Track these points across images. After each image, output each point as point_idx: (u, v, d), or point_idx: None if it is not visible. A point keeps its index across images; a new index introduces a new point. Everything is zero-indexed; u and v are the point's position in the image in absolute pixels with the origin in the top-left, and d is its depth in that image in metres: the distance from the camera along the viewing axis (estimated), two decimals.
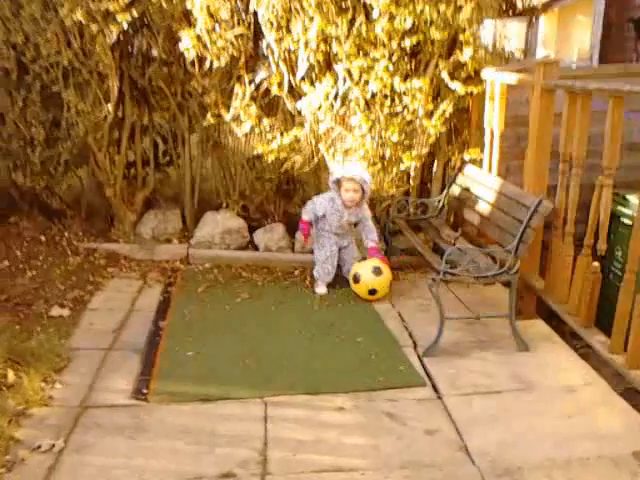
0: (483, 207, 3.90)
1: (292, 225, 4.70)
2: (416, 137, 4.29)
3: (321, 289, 4.11)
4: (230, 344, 3.37)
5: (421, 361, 3.23)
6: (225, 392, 2.91)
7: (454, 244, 3.93)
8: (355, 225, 4.20)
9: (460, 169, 4.46)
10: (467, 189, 4.23)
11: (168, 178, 4.95)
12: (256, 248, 4.63)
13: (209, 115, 4.26)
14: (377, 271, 3.94)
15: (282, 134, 4.29)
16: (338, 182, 3.96)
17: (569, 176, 3.29)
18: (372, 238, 4.12)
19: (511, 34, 7.18)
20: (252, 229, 4.67)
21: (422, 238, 4.51)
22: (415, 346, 3.40)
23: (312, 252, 4.47)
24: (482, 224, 3.87)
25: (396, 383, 3.00)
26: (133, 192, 4.79)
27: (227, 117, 4.25)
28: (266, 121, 4.26)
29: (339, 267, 4.20)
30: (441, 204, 4.52)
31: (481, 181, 4.09)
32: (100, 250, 4.55)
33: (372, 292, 3.93)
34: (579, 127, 3.04)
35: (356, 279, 3.96)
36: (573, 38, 7.49)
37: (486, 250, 3.47)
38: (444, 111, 4.19)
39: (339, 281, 4.17)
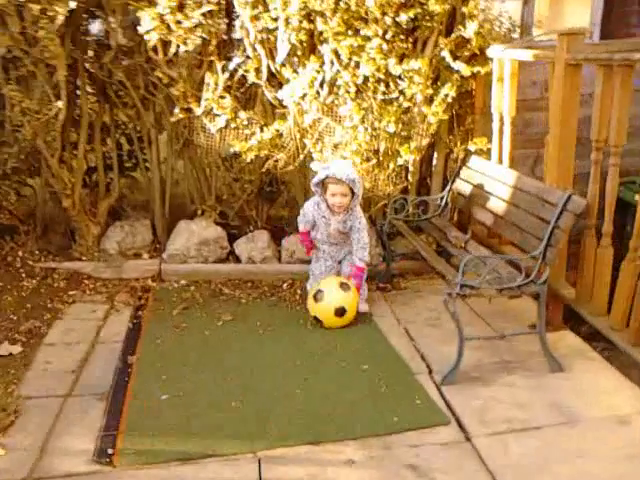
0: (496, 205, 3.41)
1: (277, 231, 4.18)
2: (415, 127, 3.78)
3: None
4: (212, 381, 2.84)
5: (439, 391, 2.74)
6: (209, 447, 2.38)
7: (465, 248, 3.44)
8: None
9: (464, 161, 3.96)
10: (475, 184, 3.74)
11: (135, 184, 4.38)
12: (238, 260, 4.09)
13: (177, 110, 3.71)
14: (345, 286, 3.36)
15: (262, 129, 3.75)
16: (323, 184, 3.40)
17: (600, 166, 2.82)
18: (361, 256, 3.47)
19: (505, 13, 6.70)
20: (232, 238, 4.13)
21: (424, 240, 4.01)
22: (430, 371, 2.91)
23: (301, 261, 3.96)
24: (497, 225, 3.38)
25: (414, 423, 2.50)
26: (95, 201, 4.22)
27: (198, 111, 3.70)
28: (243, 114, 3.71)
29: None
30: (444, 202, 4.02)
31: (491, 174, 3.60)
32: (60, 270, 3.98)
33: (340, 312, 3.29)
34: (618, 107, 2.56)
35: (317, 297, 3.33)
36: (570, 15, 7.03)
37: (509, 257, 2.98)
38: (446, 96, 3.68)
39: None
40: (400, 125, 3.73)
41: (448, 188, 4.01)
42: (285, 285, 3.92)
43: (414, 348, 3.14)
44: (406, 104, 3.71)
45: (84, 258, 4.05)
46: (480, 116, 3.96)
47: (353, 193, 3.35)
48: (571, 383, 2.76)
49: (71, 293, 3.80)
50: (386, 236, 3.98)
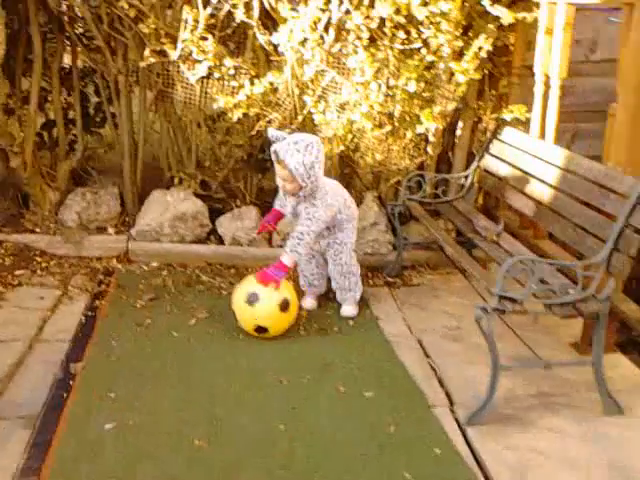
0: (539, 190, 2.74)
1: (269, 208, 3.50)
2: (439, 87, 3.07)
3: (307, 303, 2.96)
4: (173, 406, 2.22)
5: (464, 434, 2.12)
6: None
7: (496, 242, 2.78)
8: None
9: (495, 133, 3.26)
10: (509, 162, 3.06)
11: (103, 143, 3.69)
12: (220, 240, 3.44)
13: (147, 52, 2.99)
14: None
15: (252, 81, 3.04)
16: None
17: None
18: (287, 246, 2.64)
19: None
20: (215, 214, 3.48)
21: (443, 227, 3.36)
22: (451, 403, 2.29)
23: None
24: (540, 216, 2.71)
25: None
26: (54, 163, 3.55)
27: (174, 55, 2.98)
28: (229, 62, 3.00)
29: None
30: (469, 182, 3.35)
31: (532, 151, 2.91)
32: (7, 244, 3.34)
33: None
34: None
35: (251, 301, 2.61)
36: None
37: (563, 263, 2.32)
38: (480, 49, 2.96)
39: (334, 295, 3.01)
40: (422, 84, 3.02)
41: (474, 165, 3.33)
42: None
43: (430, 367, 2.52)
44: (430, 58, 3.00)
45: (37, 230, 3.41)
46: (518, 78, 3.25)
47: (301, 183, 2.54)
48: (635, 433, 2.13)
49: (17, 273, 3.17)
50: (398, 220, 3.32)
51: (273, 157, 2.54)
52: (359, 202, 3.46)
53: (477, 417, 2.14)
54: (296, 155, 2.46)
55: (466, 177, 3.35)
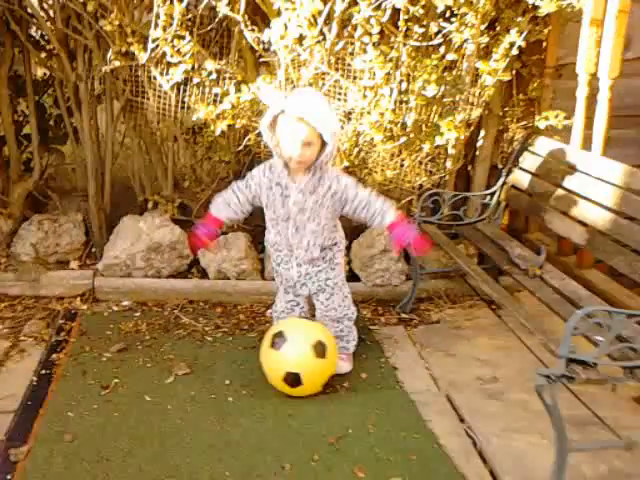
0: (591, 213, 2.26)
1: (260, 234, 2.99)
2: (462, 90, 2.59)
3: None
4: None
5: None
6: None
7: (541, 276, 2.30)
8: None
9: (525, 144, 2.80)
10: (545, 177, 2.59)
11: (64, 162, 3.17)
12: (204, 274, 2.93)
13: (111, 54, 2.48)
14: (320, 346, 2.12)
15: (239, 86, 2.55)
16: (274, 124, 2.05)
17: None
18: (380, 209, 2.13)
19: None
20: None
21: (464, 252, 2.89)
22: None
23: None
24: (594, 244, 2.24)
25: None
26: (6, 186, 3.02)
27: (143, 57, 2.48)
28: (211, 64, 2.50)
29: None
30: (494, 200, 2.87)
31: (577, 165, 2.44)
32: None
33: (292, 380, 2.12)
34: None
35: (276, 343, 2.13)
36: None
37: None
38: (511, 45, 2.49)
39: None
40: (442, 87, 2.54)
41: (501, 181, 2.86)
42: (270, 312, 2.76)
43: (468, 438, 2.02)
44: (451, 56, 2.52)
45: None
46: (551, 79, 2.78)
47: (324, 144, 2.03)
48: None
49: None
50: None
51: (287, 118, 1.99)
52: (365, 226, 2.97)
53: None
54: (319, 104, 2.03)
55: (492, 195, 2.87)
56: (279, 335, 2.14)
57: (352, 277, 2.92)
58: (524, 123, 2.86)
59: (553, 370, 1.61)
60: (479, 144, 2.99)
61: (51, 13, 2.60)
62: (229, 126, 2.60)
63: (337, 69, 2.51)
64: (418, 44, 2.45)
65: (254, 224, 3.02)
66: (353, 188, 2.14)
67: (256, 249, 2.98)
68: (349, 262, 2.95)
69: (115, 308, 2.81)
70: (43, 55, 2.83)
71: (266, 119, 2.05)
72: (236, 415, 2.10)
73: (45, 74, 3.08)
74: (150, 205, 2.91)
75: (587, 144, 2.62)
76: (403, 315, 2.84)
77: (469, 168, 3.07)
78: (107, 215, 3.02)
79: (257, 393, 2.22)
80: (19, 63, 2.94)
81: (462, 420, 2.11)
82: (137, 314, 2.76)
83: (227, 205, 2.22)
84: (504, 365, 2.46)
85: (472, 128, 2.74)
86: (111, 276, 2.87)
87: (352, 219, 2.21)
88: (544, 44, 2.72)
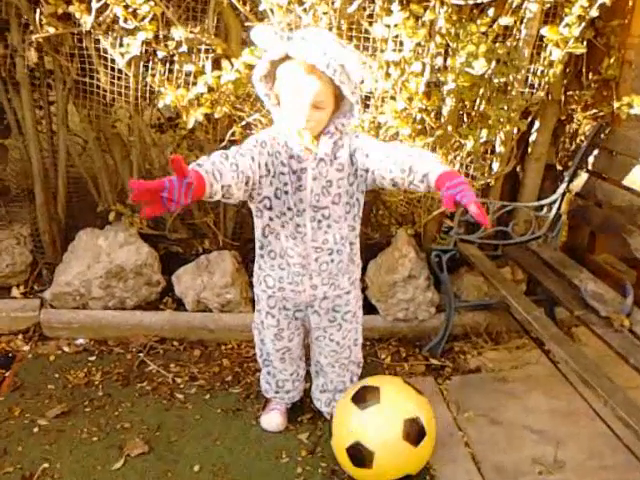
0: None
1: (250, 252, 2.36)
2: (517, 67, 1.92)
3: (271, 421, 1.84)
4: None
5: None
6: None
7: (630, 329, 1.64)
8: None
9: (596, 138, 2.13)
10: (629, 185, 1.92)
11: (7, 162, 2.55)
12: (179, 304, 2.31)
13: (44, 17, 1.84)
14: (413, 428, 1.55)
15: (218, 62, 1.90)
16: (271, 75, 1.45)
17: None
18: (420, 156, 1.42)
19: None
20: (171, 263, 2.35)
21: (509, 278, 2.25)
22: None
23: None
24: None
25: None
26: None
27: (88, 22, 1.83)
28: (180, 32, 1.85)
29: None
30: (553, 213, 2.20)
31: None
32: None
33: (359, 458, 1.56)
34: None
35: (365, 400, 1.59)
36: None
37: None
38: (587, 8, 1.81)
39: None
40: (493, 63, 1.87)
41: (563, 187, 2.19)
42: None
43: None
44: (505, 20, 1.85)
45: None
46: (637, 53, 2.10)
47: (340, 96, 1.44)
48: None
49: None
50: (446, 270, 2.19)
51: (293, 65, 1.39)
52: (386, 243, 2.33)
53: None
54: (333, 44, 1.39)
55: (550, 206, 2.21)
56: (372, 391, 1.58)
57: (367, 308, 2.29)
58: (594, 112, 2.18)
59: None
60: (532, 138, 2.32)
61: None
62: (207, 116, 1.96)
63: (350, 38, 1.85)
64: (461, 2, 1.78)
65: (245, 238, 2.39)
66: (375, 140, 1.58)
67: (246, 272, 2.34)
68: (364, 289, 2.31)
69: (66, 349, 2.20)
70: None
71: (260, 68, 1.44)
72: None
73: None
74: (111, 217, 2.29)
75: None
76: (433, 361, 2.20)
77: (517, 169, 2.40)
78: (61, 227, 2.40)
79: None
80: None
81: None
82: (92, 358, 2.15)
83: (218, 164, 1.37)
84: (568, 440, 1.83)
85: (530, 118, 2.07)
86: (62, 307, 2.26)
87: (383, 185, 1.49)
88: (630, 2, 2.03)
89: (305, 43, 1.37)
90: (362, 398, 1.59)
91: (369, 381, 1.66)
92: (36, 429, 1.80)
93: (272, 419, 1.82)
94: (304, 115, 1.42)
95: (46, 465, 1.66)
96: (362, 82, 1.42)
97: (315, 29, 1.43)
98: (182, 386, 2.02)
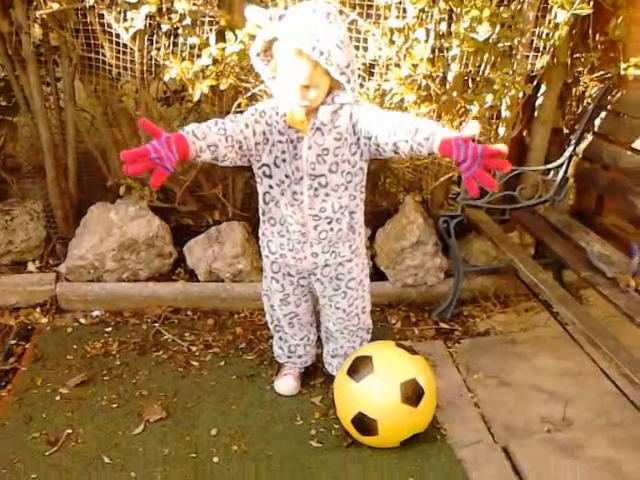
0: None
1: (259, 220, 2.40)
2: (522, 30, 1.91)
3: (284, 386, 1.90)
4: None
5: None
6: None
7: (636, 289, 1.67)
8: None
9: (603, 100, 2.12)
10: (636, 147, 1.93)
11: (21, 137, 2.57)
12: (192, 275, 2.36)
13: None
14: (411, 390, 1.59)
15: (222, 34, 1.90)
16: (268, 50, 1.49)
17: None
18: (421, 126, 1.39)
19: None
20: (182, 236, 2.39)
21: (517, 242, 2.27)
22: None
23: None
24: None
25: None
26: None
27: None
28: (183, 5, 1.85)
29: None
30: (560, 177, 2.21)
31: None
32: None
33: (363, 428, 1.61)
34: None
35: (358, 371, 1.63)
36: None
37: None
38: None
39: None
40: (498, 27, 1.86)
41: (570, 151, 2.19)
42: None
43: None
44: None
45: None
46: None
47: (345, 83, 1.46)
48: None
49: None
50: (454, 236, 2.21)
51: (283, 50, 1.43)
52: (394, 211, 2.35)
53: None
54: (332, 29, 1.39)
55: (557, 169, 2.22)
56: (365, 361, 1.62)
57: (376, 275, 2.33)
58: (601, 73, 2.16)
59: None
60: (538, 102, 2.31)
61: None
62: (212, 88, 1.97)
63: (354, 6, 1.84)
64: None
65: (255, 209, 2.41)
66: (377, 108, 1.63)
67: (256, 242, 2.37)
68: (372, 256, 2.35)
69: (82, 321, 2.26)
70: None
71: (256, 45, 1.48)
72: None
73: None
74: (122, 190, 2.32)
75: None
76: (442, 325, 2.25)
77: (524, 134, 2.40)
78: (73, 202, 2.44)
79: (252, 449, 1.67)
80: None
81: None
82: (108, 329, 2.21)
83: (203, 127, 1.40)
84: (576, 399, 1.87)
85: (535, 82, 2.06)
86: (77, 280, 2.32)
87: (385, 152, 1.51)
88: None
89: (294, 25, 1.38)
90: (356, 370, 1.63)
91: (361, 351, 1.70)
92: (58, 397, 1.87)
93: (286, 383, 1.88)
94: (296, 96, 1.45)
95: (69, 431, 1.73)
96: (348, 66, 1.40)
97: (308, 7, 1.42)
98: (197, 354, 2.08)
